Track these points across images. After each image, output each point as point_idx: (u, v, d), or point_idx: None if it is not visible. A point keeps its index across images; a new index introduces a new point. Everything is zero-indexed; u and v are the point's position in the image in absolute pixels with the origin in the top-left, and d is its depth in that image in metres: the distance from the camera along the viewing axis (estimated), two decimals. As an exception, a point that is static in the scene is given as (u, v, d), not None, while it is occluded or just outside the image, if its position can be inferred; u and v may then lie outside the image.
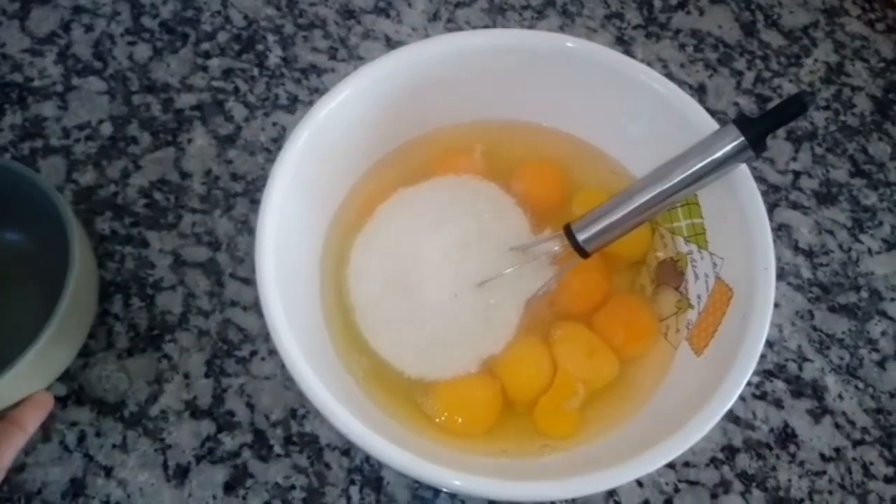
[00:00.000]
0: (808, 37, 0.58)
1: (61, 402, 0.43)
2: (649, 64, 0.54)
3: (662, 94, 0.40)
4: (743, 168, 0.37)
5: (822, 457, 0.44)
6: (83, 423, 0.43)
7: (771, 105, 0.55)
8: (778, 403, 0.45)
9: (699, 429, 0.33)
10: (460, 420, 0.39)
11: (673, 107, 0.40)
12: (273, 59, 0.54)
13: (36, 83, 0.52)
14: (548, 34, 0.43)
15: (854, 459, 0.44)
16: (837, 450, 0.44)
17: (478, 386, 0.39)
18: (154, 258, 0.47)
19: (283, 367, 0.44)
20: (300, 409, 0.43)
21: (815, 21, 0.59)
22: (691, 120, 0.40)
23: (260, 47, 0.55)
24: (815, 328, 0.47)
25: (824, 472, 0.43)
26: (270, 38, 0.55)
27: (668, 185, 0.37)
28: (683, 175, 0.36)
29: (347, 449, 0.42)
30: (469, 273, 0.41)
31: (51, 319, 0.37)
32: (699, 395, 0.35)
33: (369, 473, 0.42)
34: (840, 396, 0.45)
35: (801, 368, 0.46)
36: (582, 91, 0.43)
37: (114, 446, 0.42)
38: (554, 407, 0.39)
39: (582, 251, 0.38)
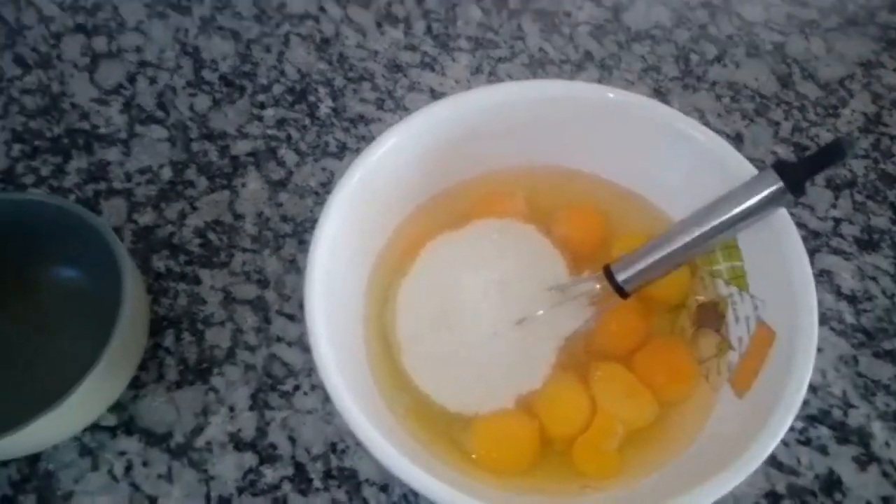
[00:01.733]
0: (845, 88, 0.59)
1: (111, 432, 0.44)
2: (686, 114, 0.56)
3: (700, 142, 0.42)
4: (783, 211, 0.38)
5: (871, 507, 0.43)
6: (131, 452, 0.44)
7: (809, 152, 0.55)
8: (822, 450, 0.44)
9: (741, 472, 0.33)
10: (497, 456, 0.39)
11: (711, 153, 0.41)
12: (324, 109, 0.57)
13: (102, 130, 0.56)
14: (589, 85, 0.45)
15: (905, 511, 0.42)
16: (885, 499, 0.43)
17: (515, 422, 0.40)
18: (205, 295, 0.49)
19: (324, 401, 0.45)
20: (340, 443, 0.44)
21: (852, 73, 0.60)
22: (730, 166, 0.40)
23: (312, 98, 0.57)
24: (859, 374, 0.46)
25: (873, 523, 0.42)
26: (322, 90, 0.58)
27: (707, 228, 0.37)
28: (723, 218, 0.37)
29: (386, 485, 0.43)
30: (509, 312, 0.42)
31: (102, 353, 0.39)
32: (741, 438, 0.35)
33: (407, 510, 0.42)
34: (887, 444, 0.44)
35: (846, 414, 0.45)
36: (622, 139, 0.44)
37: (159, 476, 0.43)
38: (593, 446, 0.39)
39: (621, 291, 0.39)
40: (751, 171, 0.39)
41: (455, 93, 0.48)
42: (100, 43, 0.60)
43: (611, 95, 0.43)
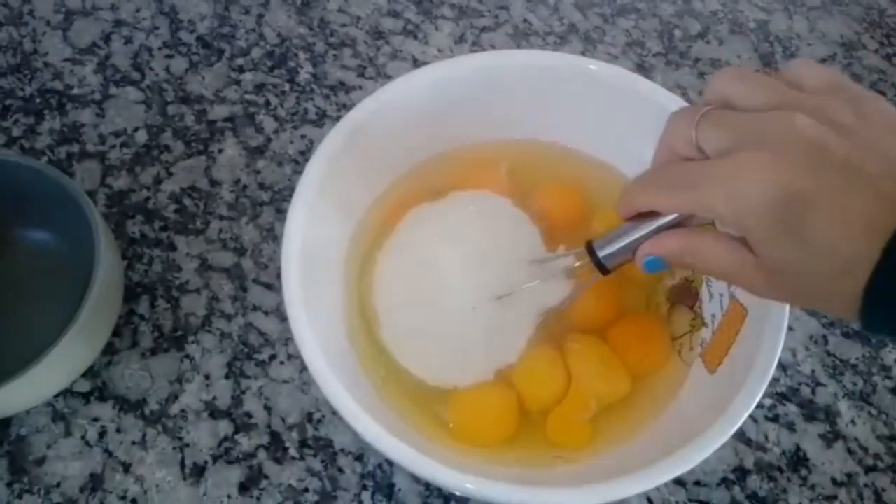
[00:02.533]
0: (827, 69, 0.59)
1: (84, 397, 0.44)
2: (668, 90, 0.55)
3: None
4: None
5: (834, 482, 0.44)
6: (104, 419, 0.44)
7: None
8: (790, 427, 0.45)
9: (708, 446, 0.34)
10: (475, 427, 0.39)
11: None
12: (303, 75, 0.56)
13: (75, 91, 0.54)
14: (571, 56, 0.45)
15: (866, 486, 0.44)
16: (849, 475, 0.44)
17: (493, 394, 0.40)
18: (181, 262, 0.48)
19: (301, 371, 0.45)
20: (316, 412, 0.44)
21: (833, 54, 0.60)
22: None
23: (291, 64, 0.56)
24: (828, 353, 0.47)
25: (835, 497, 0.43)
26: (302, 55, 0.57)
27: None
28: None
29: (361, 454, 0.43)
30: (487, 286, 0.42)
31: (74, 318, 0.39)
32: (711, 412, 0.35)
33: (381, 479, 0.43)
34: (853, 422, 0.45)
35: (814, 393, 0.46)
36: (603, 112, 0.44)
37: (133, 443, 0.43)
38: (566, 418, 0.40)
39: (603, 268, 0.38)
40: None
41: (437, 61, 0.48)
42: (74, 0, 0.59)
43: (592, 67, 0.43)
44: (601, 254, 0.38)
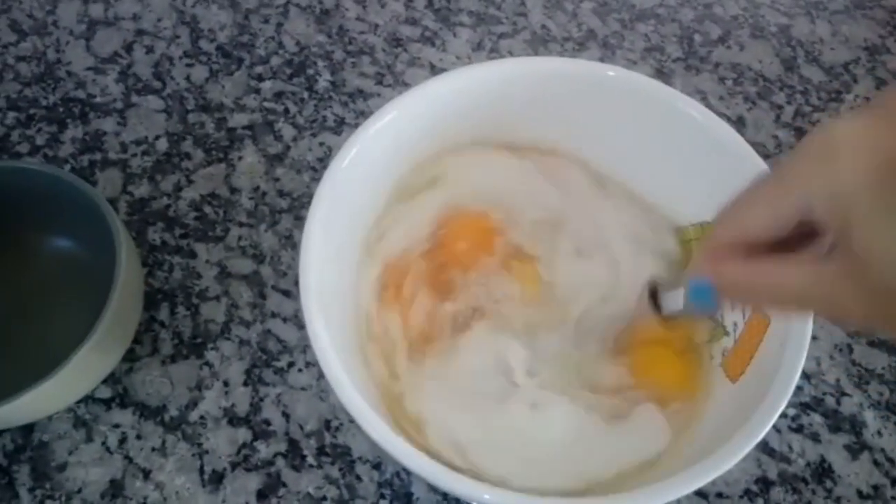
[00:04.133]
0: (849, 73, 0.58)
1: (105, 404, 0.44)
2: (688, 96, 0.55)
3: (699, 122, 0.41)
4: None
5: (860, 494, 0.43)
6: (125, 425, 0.44)
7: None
8: (815, 437, 0.44)
9: (731, 456, 0.33)
10: None
11: (709, 134, 0.41)
12: (322, 83, 0.56)
13: (97, 100, 0.55)
14: (590, 63, 0.44)
15: (893, 498, 0.43)
16: (876, 487, 0.43)
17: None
18: (201, 269, 0.49)
19: (318, 378, 0.45)
20: (334, 420, 0.44)
21: (857, 58, 0.59)
22: (729, 148, 0.40)
23: (310, 72, 0.57)
24: (854, 362, 0.47)
25: (862, 510, 0.42)
26: (320, 63, 0.57)
27: None
28: None
29: (379, 462, 0.43)
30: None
31: (96, 325, 0.39)
32: (733, 422, 0.35)
33: (399, 488, 0.42)
34: (879, 433, 0.44)
35: (839, 403, 0.45)
36: (621, 119, 0.44)
37: (153, 449, 0.43)
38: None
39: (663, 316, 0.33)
40: (750, 152, 0.39)
41: (454, 68, 0.48)
42: (96, 10, 0.59)
43: (611, 74, 0.43)
44: (663, 297, 0.32)
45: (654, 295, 0.32)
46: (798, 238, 0.25)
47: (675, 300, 0.30)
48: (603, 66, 0.43)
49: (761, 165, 0.39)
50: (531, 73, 0.43)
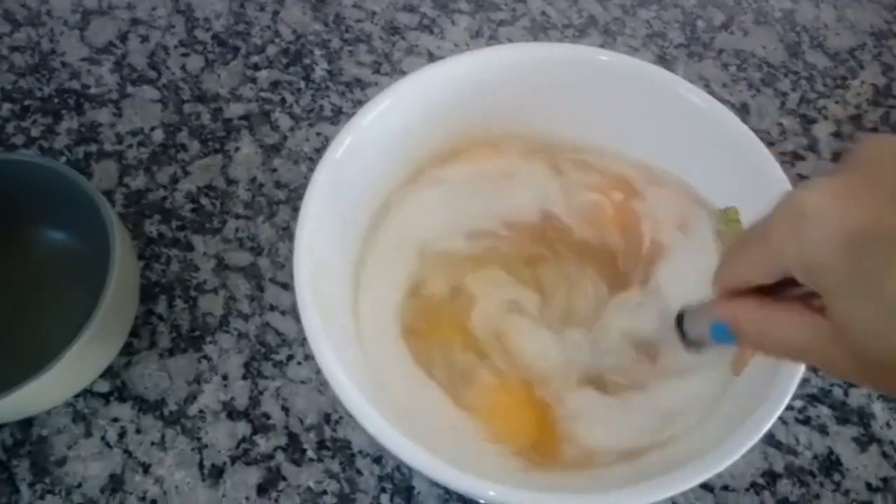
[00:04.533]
0: (855, 59, 0.57)
1: (104, 398, 0.44)
2: (691, 83, 0.54)
3: (701, 108, 0.41)
4: (787, 187, 0.37)
5: (869, 486, 0.42)
6: (124, 419, 0.43)
7: (815, 126, 0.54)
8: (822, 429, 0.44)
9: (736, 449, 0.33)
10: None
11: (710, 119, 0.40)
12: (319, 72, 0.55)
13: (93, 90, 0.54)
14: (581, 47, 0.44)
15: (900, 489, 0.42)
16: (885, 479, 0.42)
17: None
18: (198, 261, 0.48)
19: (318, 371, 0.44)
20: (334, 413, 0.43)
21: (863, 43, 0.58)
22: (730, 132, 0.40)
23: (307, 61, 0.56)
24: (860, 353, 0.46)
25: (870, 503, 0.42)
26: (317, 52, 0.56)
27: None
28: None
29: (379, 456, 0.43)
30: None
31: (91, 318, 0.38)
32: (737, 416, 0.34)
33: (400, 482, 0.42)
34: (888, 424, 0.44)
35: (846, 394, 0.45)
36: (623, 105, 0.43)
37: (152, 444, 0.43)
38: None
39: (691, 343, 0.33)
40: (752, 138, 0.39)
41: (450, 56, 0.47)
42: (90, -1, 0.59)
43: (604, 58, 0.42)
44: (689, 328, 0.32)
45: (679, 322, 0.32)
46: None
47: (699, 330, 0.30)
48: (596, 51, 0.42)
49: (763, 150, 0.38)
50: (524, 59, 0.42)
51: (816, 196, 0.22)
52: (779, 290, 0.25)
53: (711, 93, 0.54)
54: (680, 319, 0.32)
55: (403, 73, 0.56)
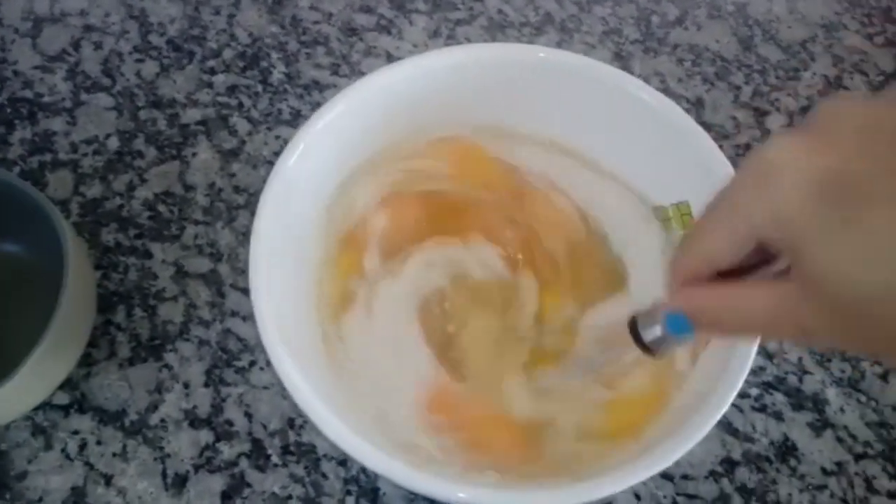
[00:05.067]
0: (807, 51, 0.58)
1: (63, 410, 0.43)
2: (646, 78, 0.55)
3: (647, 102, 0.41)
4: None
5: (824, 471, 0.43)
6: (84, 431, 0.43)
7: (768, 118, 0.55)
8: (778, 416, 0.44)
9: (690, 438, 0.33)
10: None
11: (657, 112, 0.41)
12: (276, 75, 0.55)
13: (46, 99, 0.53)
14: (520, 45, 0.44)
15: (856, 474, 0.43)
16: (839, 464, 0.43)
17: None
18: (157, 269, 0.48)
19: (281, 376, 0.44)
20: (297, 418, 0.43)
21: (814, 35, 0.59)
22: (677, 125, 0.40)
23: (264, 64, 0.56)
24: (814, 340, 0.47)
25: (825, 487, 0.43)
26: (274, 55, 0.56)
27: None
28: None
29: (344, 459, 0.43)
30: None
31: (45, 331, 0.38)
32: (691, 405, 0.35)
33: (365, 484, 0.42)
34: (842, 409, 0.45)
35: (801, 381, 0.46)
36: (573, 102, 0.43)
37: (114, 455, 0.42)
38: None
39: (648, 349, 0.31)
40: (697, 129, 0.39)
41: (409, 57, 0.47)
42: (42, 6, 0.58)
43: (542, 55, 0.43)
44: (644, 332, 0.31)
45: (633, 327, 0.31)
46: (764, 259, 0.25)
47: (654, 331, 0.30)
48: (534, 48, 0.43)
49: (710, 144, 0.39)
50: (475, 60, 0.42)
51: (781, 150, 0.22)
52: (735, 276, 0.25)
53: (667, 88, 0.55)
54: (633, 325, 0.31)
55: (362, 74, 0.55)
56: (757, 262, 0.25)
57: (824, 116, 0.22)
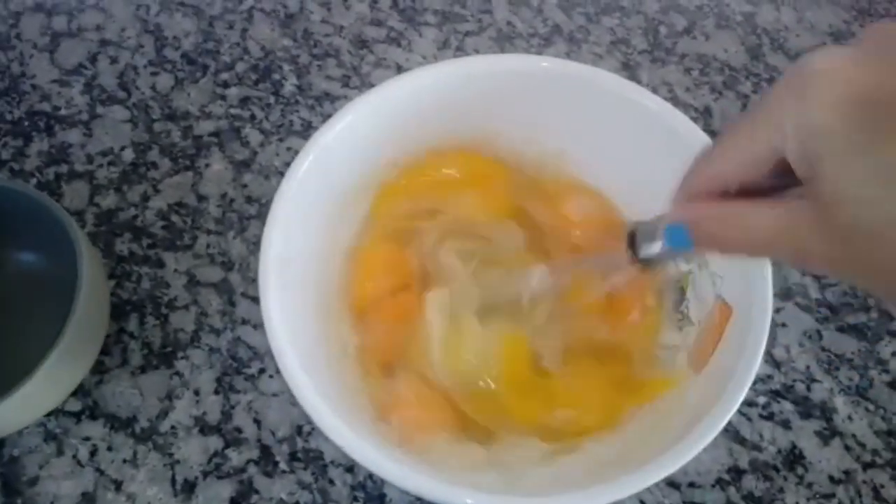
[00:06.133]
0: (815, 60, 0.58)
1: (75, 417, 0.44)
2: (655, 88, 0.55)
3: (649, 108, 0.41)
4: None
5: (832, 479, 0.43)
6: (95, 437, 0.44)
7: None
8: (785, 424, 0.44)
9: (696, 444, 0.33)
10: None
11: (660, 119, 0.41)
12: (288, 87, 0.56)
13: (63, 112, 0.55)
14: (526, 56, 0.44)
15: (864, 482, 0.43)
16: (847, 472, 0.43)
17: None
18: (169, 278, 0.48)
19: (289, 383, 0.45)
20: (306, 425, 0.44)
21: (822, 44, 0.59)
22: (680, 133, 0.40)
23: (276, 76, 0.57)
24: (823, 349, 0.47)
25: (833, 495, 0.43)
26: (286, 67, 0.57)
27: None
28: None
29: (351, 466, 0.43)
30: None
31: (59, 338, 0.39)
32: (697, 412, 0.35)
33: (372, 490, 0.42)
34: (850, 418, 0.45)
35: (809, 389, 0.45)
36: (581, 112, 0.43)
37: (124, 461, 0.43)
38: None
39: (642, 261, 0.31)
40: (703, 137, 0.39)
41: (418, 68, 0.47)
42: (60, 22, 0.59)
43: (545, 65, 0.43)
44: (642, 245, 0.30)
45: (631, 241, 0.31)
46: (775, 187, 0.24)
47: (653, 245, 0.29)
48: (538, 59, 0.43)
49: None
50: (482, 71, 0.43)
51: (825, 60, 0.21)
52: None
53: (675, 97, 0.55)
54: (631, 237, 0.31)
55: (372, 85, 0.56)
56: (768, 192, 0.24)
57: (873, 35, 0.22)
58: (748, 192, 0.24)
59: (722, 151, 0.25)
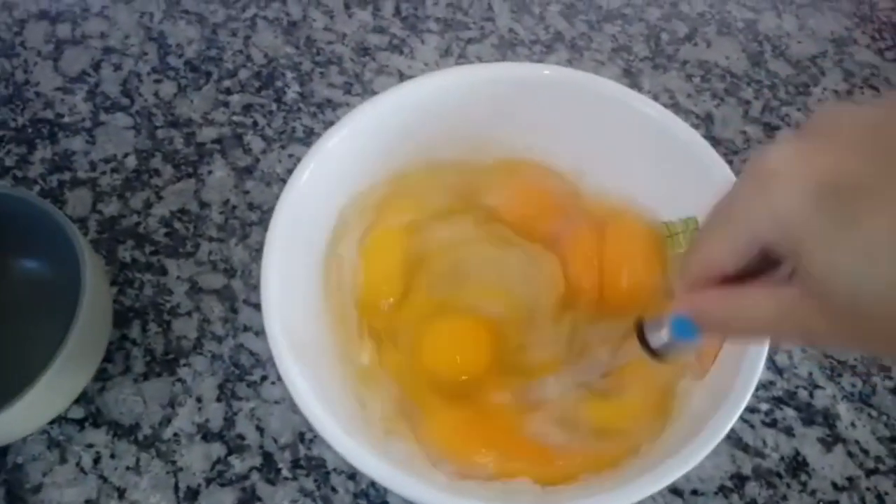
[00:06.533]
0: (817, 66, 0.59)
1: (78, 424, 0.44)
2: (656, 95, 0.55)
3: (650, 115, 0.41)
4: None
5: (835, 486, 0.43)
6: (99, 445, 0.44)
7: (778, 134, 0.55)
8: (788, 431, 0.44)
9: (699, 451, 0.33)
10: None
11: (655, 123, 0.41)
12: (291, 94, 0.56)
13: (66, 119, 0.55)
14: (528, 64, 0.44)
15: (868, 489, 0.43)
16: (850, 479, 0.43)
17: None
18: (172, 285, 0.48)
19: (292, 390, 0.45)
20: (308, 432, 0.44)
21: (824, 51, 0.59)
22: (679, 137, 0.40)
23: (278, 83, 0.57)
24: (826, 355, 0.47)
25: (836, 502, 0.42)
26: (289, 74, 0.57)
27: None
28: None
29: (353, 473, 0.43)
30: None
31: (62, 346, 0.39)
32: (700, 418, 0.35)
33: (375, 498, 0.42)
34: (853, 424, 0.45)
35: (811, 396, 0.45)
36: (572, 117, 0.44)
37: (127, 468, 0.43)
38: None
39: (654, 353, 0.31)
40: (702, 142, 0.40)
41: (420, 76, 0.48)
42: (63, 30, 0.59)
43: (547, 72, 0.43)
44: (651, 336, 0.31)
45: (640, 332, 0.31)
46: (770, 264, 0.25)
47: (660, 336, 0.30)
48: (540, 66, 0.43)
49: (717, 159, 0.39)
50: (483, 79, 0.43)
51: (779, 156, 0.22)
52: (742, 281, 0.25)
53: (676, 104, 0.55)
54: (640, 330, 0.31)
55: (374, 92, 0.56)
56: (763, 266, 0.25)
57: (822, 121, 0.23)
58: (747, 272, 0.25)
59: (706, 245, 0.25)
